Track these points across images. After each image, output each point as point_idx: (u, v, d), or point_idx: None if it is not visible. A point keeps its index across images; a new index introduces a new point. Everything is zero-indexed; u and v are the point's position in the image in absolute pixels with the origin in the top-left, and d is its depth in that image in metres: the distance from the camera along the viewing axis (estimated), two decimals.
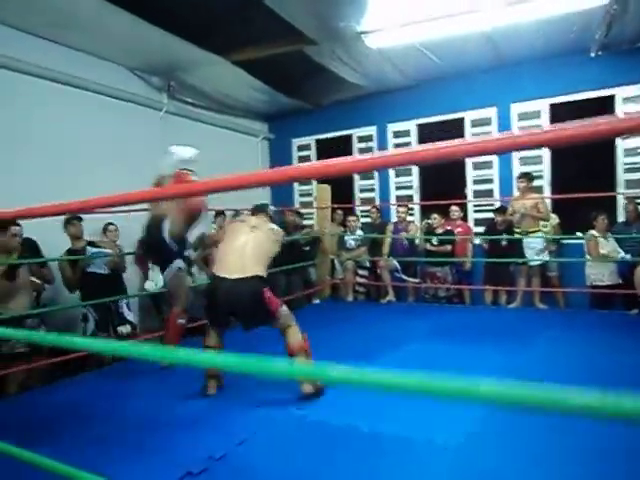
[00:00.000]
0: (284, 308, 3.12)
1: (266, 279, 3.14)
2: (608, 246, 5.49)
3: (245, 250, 3.12)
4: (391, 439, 2.37)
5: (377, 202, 7.64)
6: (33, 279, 4.27)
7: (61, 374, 3.86)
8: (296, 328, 3.11)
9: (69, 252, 4.65)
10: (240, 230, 3.29)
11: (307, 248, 6.67)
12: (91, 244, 4.77)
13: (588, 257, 5.58)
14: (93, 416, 2.86)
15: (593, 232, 5.53)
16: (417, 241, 6.51)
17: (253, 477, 2.12)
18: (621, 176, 6.15)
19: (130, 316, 4.92)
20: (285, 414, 2.75)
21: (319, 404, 2.86)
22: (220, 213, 6.26)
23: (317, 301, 6.63)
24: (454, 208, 6.48)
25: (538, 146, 0.78)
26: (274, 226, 3.49)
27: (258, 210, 3.57)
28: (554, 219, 5.94)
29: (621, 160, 6.16)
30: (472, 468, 2.11)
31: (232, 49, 5.60)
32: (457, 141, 0.97)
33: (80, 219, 4.68)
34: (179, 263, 3.76)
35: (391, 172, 7.60)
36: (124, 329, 4.72)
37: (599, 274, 5.52)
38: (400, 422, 2.51)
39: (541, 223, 5.79)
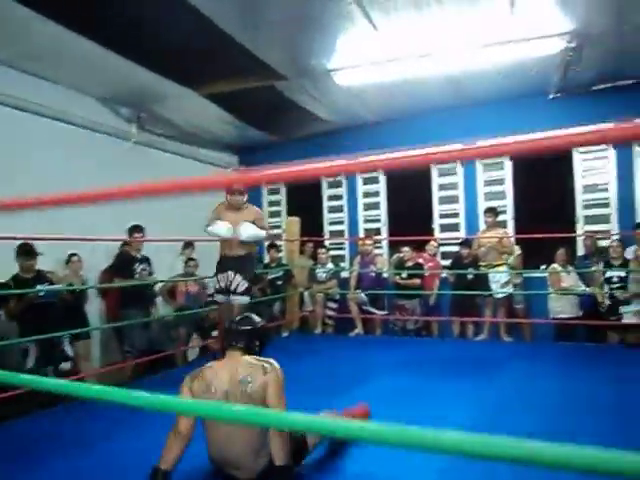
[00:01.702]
0: None
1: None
2: (570, 279, 5.66)
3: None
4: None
5: (346, 235, 7.70)
6: None
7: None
8: None
9: (15, 279, 4.26)
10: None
11: (279, 282, 6.63)
12: (41, 276, 4.36)
13: (551, 290, 5.72)
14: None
15: (555, 265, 5.69)
16: (385, 274, 6.56)
17: None
18: (580, 212, 6.39)
19: (70, 351, 4.70)
20: None
21: None
22: (189, 244, 6.19)
23: (285, 334, 6.56)
24: (432, 243, 6.59)
25: (499, 155, 0.83)
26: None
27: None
28: (516, 251, 6.08)
29: (580, 197, 6.41)
30: None
31: (202, 82, 5.66)
32: (423, 150, 1.00)
33: (35, 255, 4.29)
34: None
35: (360, 205, 7.70)
36: (65, 366, 4.52)
37: (561, 306, 5.65)
38: (365, 461, 2.47)
39: (504, 255, 5.93)
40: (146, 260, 5.14)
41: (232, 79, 5.59)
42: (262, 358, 2.33)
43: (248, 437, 2.11)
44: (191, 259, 5.92)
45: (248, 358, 2.29)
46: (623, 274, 5.14)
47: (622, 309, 5.13)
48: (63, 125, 5.42)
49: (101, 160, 5.71)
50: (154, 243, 5.47)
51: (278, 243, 7.24)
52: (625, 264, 5.18)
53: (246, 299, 4.08)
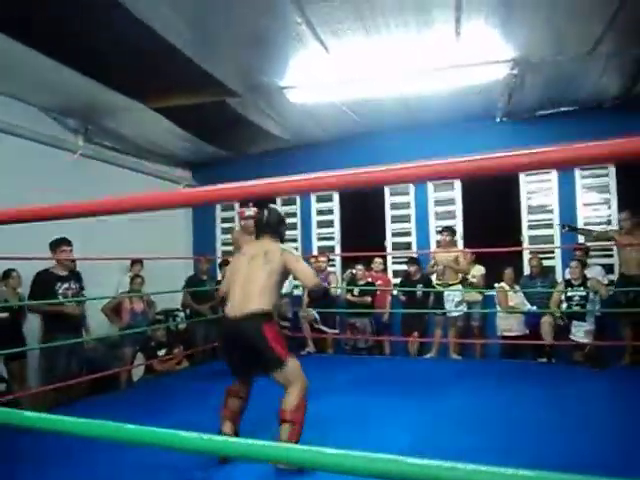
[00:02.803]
0: (293, 360, 2.79)
1: (269, 314, 2.78)
2: (516, 298, 5.81)
3: (244, 286, 2.82)
4: None
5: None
6: None
7: None
8: (300, 390, 2.72)
9: None
10: (238, 265, 2.99)
11: None
12: None
13: (498, 308, 5.85)
14: None
15: (503, 284, 5.83)
16: (338, 291, 6.56)
17: None
18: (525, 232, 6.60)
19: (4, 372, 4.45)
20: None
21: (227, 467, 2.71)
22: (137, 261, 6.03)
23: None
24: (377, 260, 6.63)
25: (455, 176, 0.83)
26: (284, 248, 3.02)
27: (262, 231, 3.11)
28: (480, 270, 6.17)
29: (525, 217, 6.62)
30: None
31: (153, 96, 5.56)
32: (382, 167, 0.98)
33: None
34: None
35: (313, 223, 7.71)
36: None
37: (508, 325, 5.78)
38: None
39: (471, 273, 6.03)
40: (74, 278, 4.70)
41: (183, 93, 5.53)
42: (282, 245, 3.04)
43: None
44: (138, 276, 5.75)
45: (273, 242, 3.01)
46: (584, 293, 5.24)
47: (573, 329, 5.27)
48: (3, 135, 5.20)
49: (45, 172, 5.50)
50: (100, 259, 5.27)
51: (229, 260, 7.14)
52: (584, 284, 5.27)
53: None
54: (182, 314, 6.77)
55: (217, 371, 5.52)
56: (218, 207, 8.44)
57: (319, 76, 5.15)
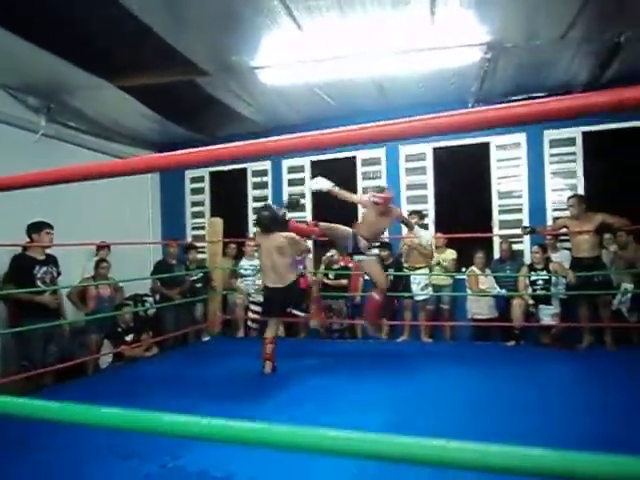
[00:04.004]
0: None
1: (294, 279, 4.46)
2: (487, 282, 5.88)
3: (274, 268, 4.40)
4: None
5: None
6: None
7: None
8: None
9: None
10: (265, 251, 4.47)
11: (199, 284, 6.43)
12: None
13: (469, 291, 5.92)
14: None
15: (474, 268, 5.90)
16: (313, 275, 6.54)
17: None
18: (496, 217, 6.67)
19: None
20: (158, 466, 2.51)
21: (198, 453, 2.66)
22: (104, 246, 5.86)
23: (207, 338, 6.36)
24: None
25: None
26: (285, 236, 4.42)
27: (266, 229, 4.51)
28: (452, 254, 6.21)
29: (496, 202, 6.69)
30: None
31: (119, 74, 5.36)
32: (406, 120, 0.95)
33: None
34: (375, 251, 4.91)
35: None
36: None
37: (478, 308, 5.86)
38: (279, 471, 2.40)
39: (442, 257, 6.06)
40: (51, 262, 4.63)
41: (151, 72, 5.33)
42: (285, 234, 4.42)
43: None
44: (104, 261, 5.58)
45: (280, 234, 4.40)
46: (547, 277, 5.39)
47: (540, 312, 5.40)
48: None
49: (5, 153, 5.26)
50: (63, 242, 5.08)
51: (199, 244, 7.02)
52: (547, 267, 5.42)
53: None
54: (151, 299, 6.63)
55: (189, 356, 5.47)
56: (188, 191, 8.27)
57: (292, 56, 5.04)
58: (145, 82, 5.48)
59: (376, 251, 4.98)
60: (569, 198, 5.55)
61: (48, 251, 4.68)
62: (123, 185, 7.29)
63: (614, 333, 5.17)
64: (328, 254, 6.38)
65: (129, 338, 5.31)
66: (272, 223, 4.47)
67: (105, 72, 5.27)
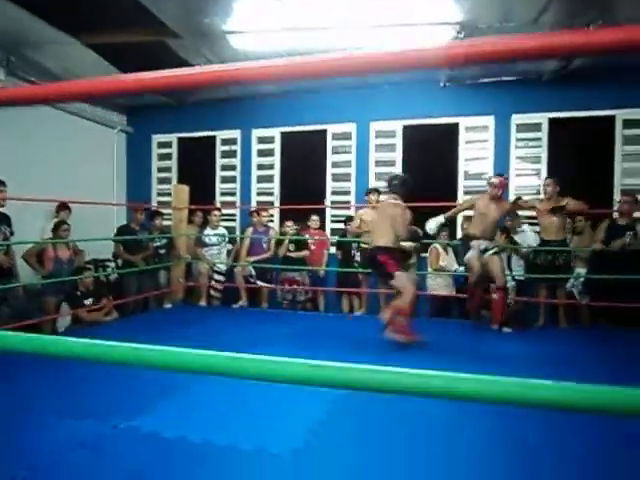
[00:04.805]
0: (400, 274, 4.17)
1: (389, 248, 4.24)
2: (447, 259, 6.00)
3: (380, 227, 4.36)
4: (222, 449, 2.28)
5: (238, 206, 7.57)
6: None
7: None
8: (408, 295, 4.11)
9: None
10: (380, 211, 4.55)
11: (162, 251, 6.36)
12: None
13: (429, 268, 6.04)
14: None
15: (436, 245, 5.99)
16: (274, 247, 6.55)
17: None
18: (461, 197, 6.77)
19: None
20: (111, 427, 2.53)
21: (151, 414, 2.68)
22: (64, 206, 5.71)
23: (168, 305, 6.33)
24: (314, 217, 6.61)
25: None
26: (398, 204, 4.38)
27: (390, 191, 4.54)
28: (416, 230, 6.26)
29: (461, 183, 6.78)
30: (303, 475, 2.10)
31: (86, 30, 5.17)
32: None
33: None
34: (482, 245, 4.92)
35: (253, 178, 7.58)
36: None
37: (437, 284, 5.99)
38: (233, 431, 2.44)
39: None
40: (3, 221, 4.49)
41: (120, 30, 5.17)
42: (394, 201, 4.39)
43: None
44: (64, 223, 5.45)
45: (391, 199, 4.43)
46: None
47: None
48: None
49: None
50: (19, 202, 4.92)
51: (165, 211, 6.93)
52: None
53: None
54: (113, 264, 6.54)
55: (149, 322, 5.44)
56: (154, 156, 8.11)
57: (265, 23, 4.95)
58: (113, 40, 5.31)
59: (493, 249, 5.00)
60: (546, 178, 5.65)
61: (1, 210, 4.53)
62: (87, 144, 7.15)
63: (566, 313, 5.42)
64: (287, 226, 6.37)
65: (88, 302, 5.24)
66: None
67: (71, 27, 5.08)
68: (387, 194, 4.62)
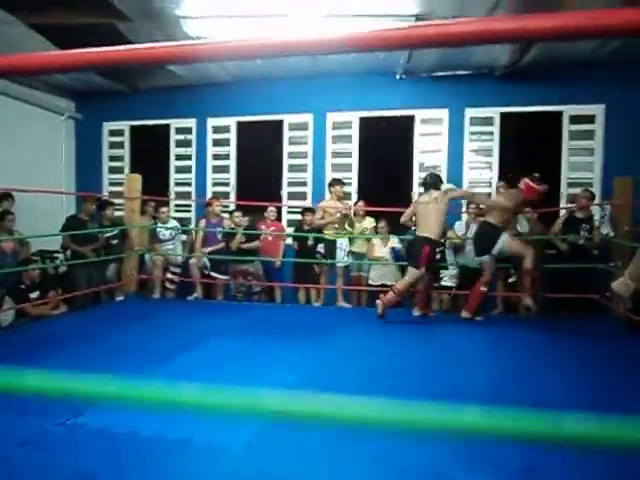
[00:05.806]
0: (418, 270, 4.79)
1: (430, 239, 4.77)
2: (383, 250, 6.07)
3: (425, 219, 4.83)
4: (172, 443, 2.24)
5: (193, 197, 7.43)
6: None
7: None
8: (412, 279, 4.87)
9: None
10: (426, 204, 4.89)
11: (115, 241, 6.16)
12: None
13: (366, 259, 6.12)
14: None
15: (378, 237, 6.09)
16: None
17: None
18: (417, 190, 6.87)
19: None
20: (58, 423, 2.44)
21: (101, 410, 2.60)
22: (7, 196, 5.46)
23: (121, 297, 6.16)
24: (271, 209, 6.56)
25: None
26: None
27: (431, 186, 4.98)
28: (371, 223, 6.31)
29: (416, 175, 6.88)
30: (254, 469, 2.09)
31: (29, 10, 4.91)
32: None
33: None
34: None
35: (209, 168, 7.45)
36: None
37: (379, 275, 6.08)
38: (184, 425, 2.40)
39: (363, 225, 6.18)
40: None
41: (66, 11, 4.93)
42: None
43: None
44: (8, 213, 5.21)
45: (436, 191, 4.92)
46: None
47: (442, 276, 5.74)
48: None
49: None
50: None
51: (116, 201, 6.71)
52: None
53: None
54: (62, 256, 6.29)
55: (99, 315, 5.28)
56: (105, 144, 7.84)
57: (220, 9, 4.84)
58: (59, 22, 5.07)
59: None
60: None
61: None
62: (32, 130, 6.84)
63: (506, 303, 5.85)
64: (235, 217, 6.23)
65: (34, 295, 5.03)
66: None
67: (13, 6, 4.81)
68: (426, 191, 5.01)
